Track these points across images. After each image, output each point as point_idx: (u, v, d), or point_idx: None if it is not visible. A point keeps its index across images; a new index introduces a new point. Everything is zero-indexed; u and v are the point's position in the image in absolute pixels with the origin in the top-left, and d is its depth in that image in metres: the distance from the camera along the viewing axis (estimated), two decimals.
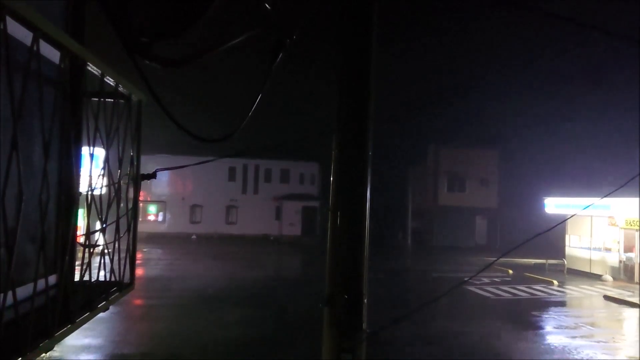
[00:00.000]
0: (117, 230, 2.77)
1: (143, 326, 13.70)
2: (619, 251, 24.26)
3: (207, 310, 15.39)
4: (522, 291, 20.71)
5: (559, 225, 4.64)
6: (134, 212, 2.97)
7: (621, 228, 23.82)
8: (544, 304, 18.62)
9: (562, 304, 19.29)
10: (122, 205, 2.79)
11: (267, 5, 2.50)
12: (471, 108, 37.33)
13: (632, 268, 23.31)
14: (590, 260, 25.77)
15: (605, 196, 4.92)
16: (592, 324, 15.57)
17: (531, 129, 39.58)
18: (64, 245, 2.28)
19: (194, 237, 40.61)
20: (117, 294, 2.79)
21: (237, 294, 18.28)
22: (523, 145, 38.94)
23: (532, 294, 20.17)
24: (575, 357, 12.10)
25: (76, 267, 2.62)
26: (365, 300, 3.49)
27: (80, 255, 2.51)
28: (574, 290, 21.55)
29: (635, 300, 18.41)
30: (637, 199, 20.02)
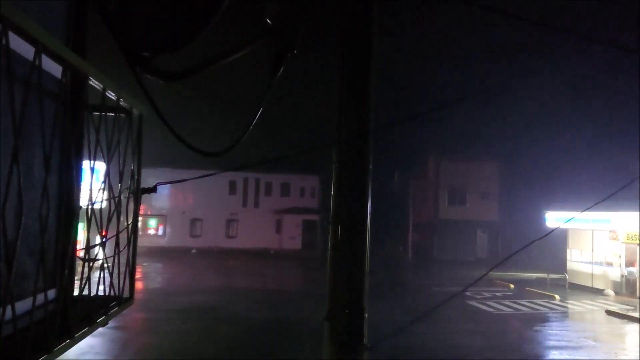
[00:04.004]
0: (117, 244, 2.76)
1: (143, 340, 13.60)
2: (620, 265, 24.13)
3: (207, 325, 15.28)
4: (523, 306, 20.58)
5: (545, 236, 4.59)
6: (134, 226, 2.95)
7: (623, 242, 23.73)
8: (546, 319, 18.50)
9: (564, 318, 19.15)
10: (122, 219, 2.78)
11: (267, 20, 2.52)
12: (472, 120, 37.36)
13: (634, 282, 23.16)
14: (592, 274, 25.63)
15: (591, 207, 4.84)
16: (595, 339, 15.44)
17: (532, 141, 39.55)
18: (64, 259, 2.26)
19: (194, 251, 40.46)
20: (116, 308, 2.77)
21: (236, 308, 18.18)
22: (524, 158, 38.91)
23: (533, 309, 20.05)
24: None
25: (75, 281, 2.61)
26: (366, 315, 3.46)
27: (79, 269, 2.50)
28: (576, 305, 21.41)
29: (637, 315, 18.28)
30: (638, 213, 19.96)
